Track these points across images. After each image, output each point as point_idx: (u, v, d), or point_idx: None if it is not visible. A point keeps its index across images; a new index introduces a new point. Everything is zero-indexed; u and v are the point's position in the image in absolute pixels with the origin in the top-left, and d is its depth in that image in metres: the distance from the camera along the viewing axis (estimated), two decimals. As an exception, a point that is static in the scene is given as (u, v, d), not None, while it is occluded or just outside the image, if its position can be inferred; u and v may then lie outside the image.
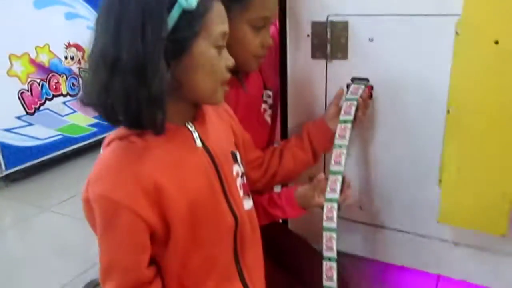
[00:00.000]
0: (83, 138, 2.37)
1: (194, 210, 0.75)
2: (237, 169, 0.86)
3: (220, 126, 0.87)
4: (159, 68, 0.65)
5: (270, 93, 1.16)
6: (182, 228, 0.74)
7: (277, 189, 1.13)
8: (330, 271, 0.94)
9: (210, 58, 0.72)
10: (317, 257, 1.16)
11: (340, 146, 0.96)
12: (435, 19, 0.92)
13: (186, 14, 0.67)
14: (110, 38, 0.67)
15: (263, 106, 1.15)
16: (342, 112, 0.99)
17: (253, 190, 0.97)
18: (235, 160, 0.86)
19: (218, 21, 0.72)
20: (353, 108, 0.99)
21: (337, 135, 0.98)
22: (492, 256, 1.04)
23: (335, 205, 0.93)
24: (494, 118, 0.82)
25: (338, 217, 0.93)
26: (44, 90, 2.15)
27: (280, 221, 1.29)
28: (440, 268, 1.13)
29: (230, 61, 0.76)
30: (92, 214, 0.71)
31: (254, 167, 0.99)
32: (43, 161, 2.16)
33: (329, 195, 0.94)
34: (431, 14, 0.92)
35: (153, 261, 0.77)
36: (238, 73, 1.05)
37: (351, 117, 0.98)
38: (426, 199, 1.03)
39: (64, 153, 2.25)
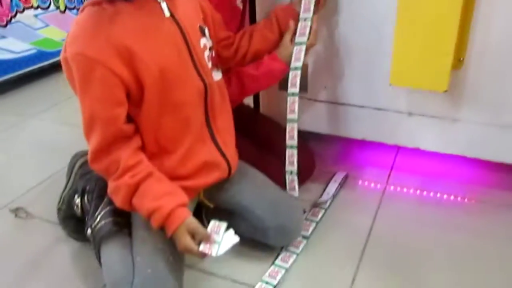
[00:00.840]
0: (58, 53, 2.36)
1: (165, 74, 0.82)
2: (205, 42, 0.92)
3: (189, 2, 0.92)
4: None
5: None
6: (154, 89, 0.82)
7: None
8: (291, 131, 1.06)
9: None
10: (285, 131, 1.27)
11: (305, 19, 1.03)
12: None
13: None
14: None
15: None
16: (302, 9, 1.04)
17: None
18: (203, 34, 0.92)
19: None
20: (312, 7, 1.03)
21: (298, 33, 1.04)
22: (441, 122, 1.17)
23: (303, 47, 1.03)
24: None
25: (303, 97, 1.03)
26: (14, 2, 2.11)
27: (252, 106, 1.39)
28: (397, 138, 1.26)
29: None
30: (71, 73, 0.80)
31: (225, 45, 1.05)
32: (20, 74, 2.17)
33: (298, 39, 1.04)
34: None
35: (132, 121, 0.85)
36: None
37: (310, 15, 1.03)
38: (381, 72, 1.12)
39: (41, 67, 2.26)
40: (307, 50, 1.03)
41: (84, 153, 1.08)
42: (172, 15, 0.85)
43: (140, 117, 0.85)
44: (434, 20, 0.93)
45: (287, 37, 1.05)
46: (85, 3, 0.81)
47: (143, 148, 0.87)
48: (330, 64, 1.22)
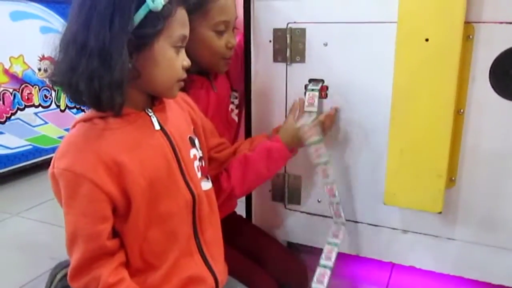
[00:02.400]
0: (53, 150, 2.38)
1: (153, 186, 0.81)
2: (195, 152, 0.93)
3: (179, 114, 0.95)
4: (121, 56, 0.73)
5: (236, 94, 1.26)
6: (142, 202, 0.80)
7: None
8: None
9: (168, 56, 0.80)
10: (277, 244, 1.24)
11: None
12: (379, 26, 1.05)
13: (152, 13, 0.75)
14: (82, 24, 0.75)
15: (231, 106, 1.25)
16: (307, 103, 1.10)
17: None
18: (193, 144, 0.93)
19: (179, 24, 0.80)
20: (316, 100, 1.10)
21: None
22: (436, 241, 1.15)
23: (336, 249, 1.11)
24: (429, 106, 0.94)
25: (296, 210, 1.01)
26: (16, 100, 2.17)
27: (245, 216, 1.36)
28: (392, 255, 1.23)
29: (186, 61, 0.84)
30: (58, 188, 0.78)
31: (220, 149, 1.06)
32: (12, 169, 2.17)
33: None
34: (375, 21, 1.05)
35: (117, 236, 0.82)
36: (208, 75, 1.15)
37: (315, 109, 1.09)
38: (375, 190, 1.13)
39: (34, 163, 2.26)
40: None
41: (66, 265, 1.02)
42: (162, 127, 0.86)
43: (125, 230, 0.82)
44: (426, 142, 0.96)
45: (291, 116, 1.08)
46: (77, 119, 0.83)
47: (126, 263, 0.83)
48: (324, 178, 1.23)
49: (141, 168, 0.81)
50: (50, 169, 0.79)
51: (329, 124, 1.12)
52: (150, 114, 0.85)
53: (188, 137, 0.93)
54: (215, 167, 1.07)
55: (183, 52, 0.84)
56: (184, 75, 0.84)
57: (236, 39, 1.13)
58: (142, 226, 0.82)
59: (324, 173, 1.09)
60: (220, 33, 1.07)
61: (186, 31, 0.83)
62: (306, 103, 1.10)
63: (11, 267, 1.45)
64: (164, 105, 0.89)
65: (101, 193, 0.77)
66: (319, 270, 1.07)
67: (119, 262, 0.81)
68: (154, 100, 0.87)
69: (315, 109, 1.09)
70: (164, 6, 0.76)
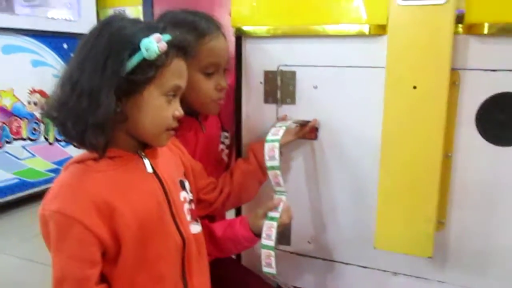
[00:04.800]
0: (40, 183, 2.36)
1: (144, 229, 0.81)
2: (185, 195, 0.93)
3: (170, 157, 0.95)
4: (108, 99, 0.74)
5: (227, 134, 1.27)
6: (132, 245, 0.80)
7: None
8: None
9: (157, 105, 0.81)
10: (267, 286, 1.22)
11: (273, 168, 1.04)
12: (368, 70, 1.07)
13: (145, 61, 0.77)
14: (78, 64, 0.77)
15: (221, 146, 1.25)
16: (270, 133, 1.06)
17: (212, 214, 1.07)
18: (183, 188, 0.94)
19: (173, 75, 0.81)
20: (281, 132, 1.06)
21: (266, 157, 1.04)
22: (426, 284, 1.14)
23: (275, 224, 0.99)
24: (418, 151, 0.96)
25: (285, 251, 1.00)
26: (4, 133, 2.16)
27: (234, 257, 1.34)
28: (382, 298, 1.21)
29: (178, 111, 0.84)
30: (47, 231, 0.77)
31: (208, 191, 1.07)
32: (-3, 204, 2.14)
33: (271, 214, 1.01)
34: (363, 66, 1.08)
35: (104, 280, 0.81)
36: (198, 116, 1.15)
37: (278, 137, 1.04)
38: (365, 232, 1.13)
39: (21, 197, 2.23)
40: (279, 227, 1.00)
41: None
42: (154, 170, 0.86)
43: (114, 275, 0.81)
44: (415, 186, 0.97)
45: (260, 211, 1.04)
46: (70, 160, 0.83)
47: None
48: (314, 219, 1.22)
49: (133, 210, 0.80)
50: (40, 211, 0.79)
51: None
52: (142, 157, 0.86)
53: (178, 180, 0.94)
54: (204, 208, 1.07)
55: (176, 102, 0.84)
56: (175, 125, 0.84)
57: (228, 81, 1.14)
58: (131, 270, 0.81)
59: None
60: (209, 75, 1.07)
61: (181, 82, 0.84)
62: (266, 157, 1.04)
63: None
64: (155, 148, 0.89)
65: (92, 236, 0.76)
66: (263, 252, 0.99)
67: None
68: (147, 144, 0.87)
69: (277, 163, 1.04)
70: (158, 55, 0.77)
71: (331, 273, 1.24)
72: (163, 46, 0.78)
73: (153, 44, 0.76)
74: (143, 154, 0.86)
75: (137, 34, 0.77)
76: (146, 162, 0.86)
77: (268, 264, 0.97)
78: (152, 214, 0.84)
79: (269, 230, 0.99)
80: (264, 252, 0.98)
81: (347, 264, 1.21)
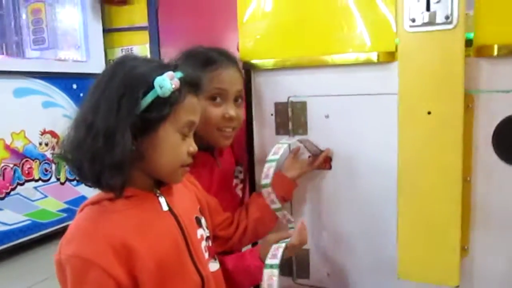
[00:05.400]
0: (52, 224, 2.35)
1: (162, 269, 0.80)
2: (202, 232, 0.92)
3: (185, 194, 0.95)
4: (124, 139, 0.74)
5: (241, 169, 1.26)
6: (150, 286, 0.78)
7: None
8: None
9: (173, 142, 0.81)
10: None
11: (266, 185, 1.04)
12: (379, 98, 1.07)
13: (159, 99, 0.77)
14: (93, 105, 0.77)
15: (235, 181, 1.24)
16: (272, 152, 1.06)
17: (229, 250, 1.05)
18: (200, 225, 0.93)
19: (187, 111, 0.82)
20: (272, 170, 1.04)
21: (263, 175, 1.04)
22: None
23: (283, 245, 0.96)
24: (436, 177, 0.94)
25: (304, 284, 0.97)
26: (16, 175, 2.17)
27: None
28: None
29: (193, 147, 0.84)
30: (64, 275, 0.76)
31: (224, 226, 1.06)
32: (10, 246, 2.12)
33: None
34: (375, 93, 1.07)
35: None
36: (213, 151, 1.15)
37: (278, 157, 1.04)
38: (387, 261, 1.09)
39: (32, 238, 2.22)
40: (288, 249, 0.98)
41: None
42: (170, 208, 0.86)
43: None
44: (436, 213, 0.94)
45: (272, 238, 1.02)
46: (85, 202, 0.83)
47: None
48: (332, 250, 1.20)
49: (150, 251, 0.79)
50: (56, 256, 0.77)
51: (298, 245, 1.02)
52: (157, 195, 0.85)
53: (194, 217, 0.93)
54: (221, 244, 1.05)
55: (190, 138, 0.84)
56: (189, 161, 0.84)
57: (240, 112, 1.13)
58: None
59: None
60: (217, 103, 1.06)
61: (195, 118, 0.84)
62: (263, 175, 1.04)
63: None
64: (171, 186, 0.89)
65: (109, 278, 0.74)
66: (265, 273, 0.92)
67: None
68: (162, 181, 0.87)
69: (269, 181, 1.04)
70: (172, 92, 0.77)
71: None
72: (177, 83, 0.78)
73: (167, 82, 0.77)
74: (158, 192, 0.86)
75: (151, 73, 0.78)
76: (162, 200, 0.85)
77: (270, 286, 0.92)
78: (170, 254, 0.82)
79: (276, 250, 0.95)
80: (266, 273, 0.92)
81: (370, 296, 1.18)
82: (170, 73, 0.78)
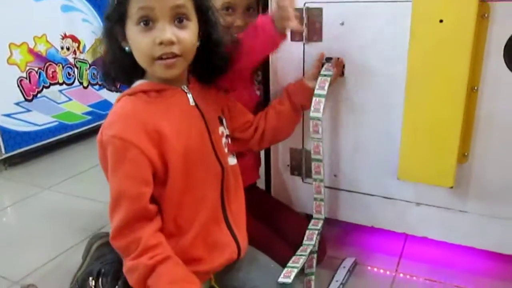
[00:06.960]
0: (78, 126, 2.47)
1: (188, 154, 0.90)
2: (223, 130, 1.02)
3: (210, 96, 1.03)
4: (113, 43, 0.91)
5: (259, 72, 1.31)
6: (178, 169, 0.89)
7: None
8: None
9: (134, 36, 0.88)
10: (296, 216, 1.31)
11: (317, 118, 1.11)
12: (393, 5, 1.06)
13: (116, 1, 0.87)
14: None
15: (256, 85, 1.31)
16: (317, 86, 1.13)
17: (248, 151, 1.18)
18: (221, 123, 1.02)
19: (137, 2, 0.85)
20: (327, 84, 1.13)
21: (312, 108, 1.12)
22: (448, 213, 1.20)
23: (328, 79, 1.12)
24: (442, 85, 0.97)
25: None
26: (41, 78, 2.24)
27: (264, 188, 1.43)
28: (405, 226, 1.28)
29: (159, 38, 0.85)
30: (105, 154, 0.87)
31: (245, 128, 1.13)
32: (40, 145, 2.26)
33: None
34: (390, 0, 1.07)
35: (155, 203, 0.90)
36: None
37: (324, 92, 1.12)
38: (389, 164, 1.17)
39: (60, 139, 2.36)
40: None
41: (102, 236, 1.11)
42: (196, 104, 0.95)
43: (163, 197, 0.91)
44: (439, 120, 0.99)
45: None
46: (122, 93, 0.93)
47: (161, 229, 0.91)
48: (340, 154, 1.28)
49: (178, 137, 0.90)
50: (98, 137, 0.89)
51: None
52: (186, 91, 0.94)
53: (217, 116, 1.01)
54: (240, 145, 1.13)
55: (156, 29, 0.86)
56: (159, 52, 0.86)
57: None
58: (178, 193, 0.91)
59: (316, 149, 1.15)
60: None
61: (145, 3, 0.84)
62: (317, 86, 1.12)
63: (47, 237, 1.55)
64: (197, 85, 0.99)
65: (145, 158, 0.86)
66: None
67: (157, 226, 0.89)
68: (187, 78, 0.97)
69: (324, 92, 1.11)
70: None
71: (356, 204, 1.31)
72: None
73: None
74: (186, 88, 0.95)
75: None
76: (189, 96, 0.95)
77: (317, 110, 1.10)
78: (195, 142, 0.93)
79: (323, 83, 1.11)
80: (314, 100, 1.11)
81: (371, 195, 1.28)
82: None
